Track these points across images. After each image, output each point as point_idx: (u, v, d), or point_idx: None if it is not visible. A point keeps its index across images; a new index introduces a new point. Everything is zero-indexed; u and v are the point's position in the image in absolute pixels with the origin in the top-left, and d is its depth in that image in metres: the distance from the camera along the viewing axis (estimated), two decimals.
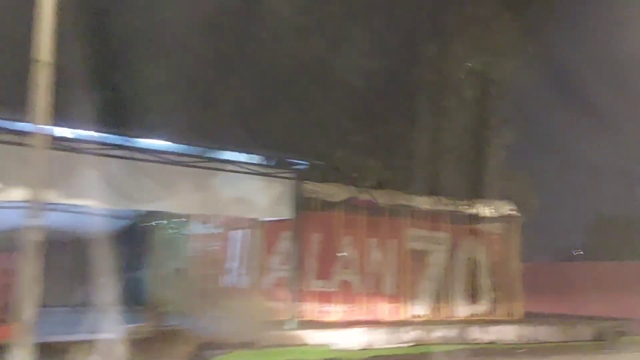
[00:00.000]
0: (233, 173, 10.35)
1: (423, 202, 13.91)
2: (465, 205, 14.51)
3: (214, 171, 10.19)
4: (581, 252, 28.06)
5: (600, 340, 13.84)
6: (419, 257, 13.90)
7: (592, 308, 18.17)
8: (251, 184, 10.54)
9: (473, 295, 14.50)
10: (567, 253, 27.33)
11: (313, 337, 10.65)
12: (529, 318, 14.76)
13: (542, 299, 18.79)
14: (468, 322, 13.37)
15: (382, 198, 13.33)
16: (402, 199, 13.59)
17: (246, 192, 10.45)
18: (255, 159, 10.70)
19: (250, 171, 10.50)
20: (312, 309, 12.21)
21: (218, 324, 11.05)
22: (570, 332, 13.83)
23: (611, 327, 14.50)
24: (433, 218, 14.12)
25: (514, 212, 15.22)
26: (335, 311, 12.52)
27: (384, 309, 13.14)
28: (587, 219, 29.27)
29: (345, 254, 12.85)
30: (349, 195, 12.90)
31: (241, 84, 12.18)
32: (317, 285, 12.49)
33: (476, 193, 15.23)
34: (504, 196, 15.74)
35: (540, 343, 12.98)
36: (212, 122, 11.26)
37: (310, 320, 11.82)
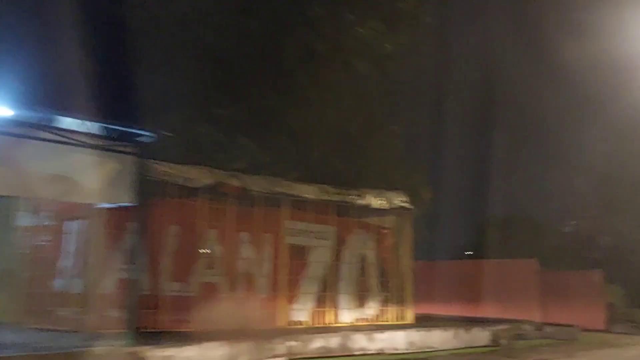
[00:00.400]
0: (49, 143, 7.86)
1: (305, 191, 12.00)
2: (353, 195, 12.75)
3: (21, 139, 7.67)
4: (471, 253, 27.48)
5: (496, 346, 12.66)
6: (300, 253, 11.98)
7: (488, 309, 17.17)
8: (75, 158, 8.11)
9: (361, 297, 12.77)
10: (461, 250, 26.60)
11: (156, 353, 8.40)
12: (422, 322, 13.29)
13: (435, 300, 17.58)
14: (354, 328, 11.64)
15: (255, 184, 11.26)
16: (280, 186, 11.60)
17: (67, 169, 8.02)
18: (81, 126, 8.27)
19: (74, 141, 8.05)
20: (163, 318, 9.93)
21: (32, 337, 8.65)
22: (465, 337, 12.53)
23: (507, 331, 13.38)
24: (317, 209, 12.23)
25: (407, 205, 13.65)
26: (194, 320, 10.27)
27: (256, 316, 11.04)
28: (482, 216, 28.86)
29: (209, 250, 10.65)
30: (215, 179, 10.72)
31: (76, 37, 9.64)
32: (171, 288, 10.23)
33: (366, 182, 13.59)
34: (396, 187, 14.21)
35: (433, 351, 11.49)
36: (27, 78, 8.68)
37: (161, 332, 9.56)
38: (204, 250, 10.58)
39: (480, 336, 12.91)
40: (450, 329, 12.50)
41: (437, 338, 12.15)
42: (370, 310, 12.85)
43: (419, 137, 20.88)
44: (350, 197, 12.66)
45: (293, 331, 10.75)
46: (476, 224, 30.24)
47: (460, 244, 28.35)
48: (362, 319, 12.67)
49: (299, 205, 11.91)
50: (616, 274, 19.38)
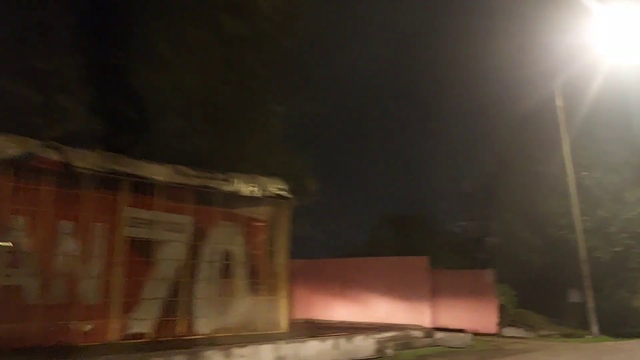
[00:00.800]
0: None
1: (154, 171, 9.65)
2: (218, 179, 10.55)
3: None
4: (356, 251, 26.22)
5: (381, 357, 10.99)
6: (144, 249, 9.60)
7: (376, 311, 15.63)
8: None
9: (224, 303, 10.57)
10: (350, 248, 25.10)
11: None
12: (298, 330, 11.36)
13: (317, 303, 15.78)
14: (210, 341, 9.44)
15: (83, 159, 8.76)
16: (118, 164, 9.16)
17: None
18: None
19: None
20: None
21: None
22: (346, 348, 10.75)
23: (394, 339, 11.76)
24: (169, 195, 9.91)
25: (284, 193, 11.63)
26: None
27: (78, 328, 8.56)
28: (373, 213, 27.84)
29: (10, 243, 8.03)
30: (24, 150, 8.12)
31: None
32: None
33: (236, 165, 11.45)
34: (273, 173, 12.15)
35: None
36: None
37: None
38: (4, 243, 7.95)
39: (364, 346, 11.21)
40: (328, 338, 10.66)
41: (313, 350, 10.27)
42: (236, 318, 10.69)
43: (308, 122, 19.07)
44: (214, 181, 10.45)
45: (125, 347, 8.38)
46: (367, 220, 29.28)
47: (348, 241, 27.03)
48: (224, 329, 10.48)
49: (145, 188, 9.52)
50: (505, 274, 18.60)
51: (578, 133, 20.42)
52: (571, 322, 19.41)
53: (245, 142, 12.41)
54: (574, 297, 19.68)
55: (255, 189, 11.18)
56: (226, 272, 10.69)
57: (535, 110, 22.50)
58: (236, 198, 10.90)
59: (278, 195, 11.56)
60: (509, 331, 16.35)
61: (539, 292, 20.61)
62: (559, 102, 20.13)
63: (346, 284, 16.21)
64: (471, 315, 16.25)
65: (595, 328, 17.54)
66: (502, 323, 16.55)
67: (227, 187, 10.63)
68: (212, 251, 10.47)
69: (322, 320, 14.45)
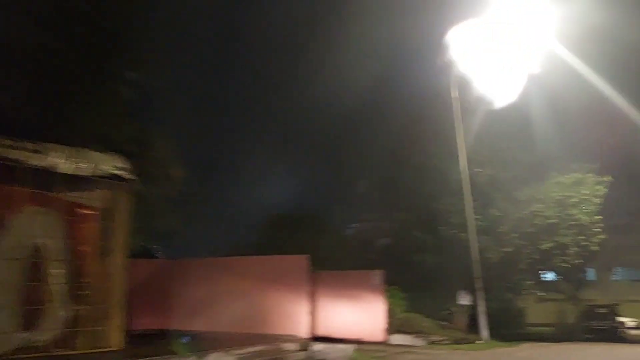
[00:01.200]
0: None
1: None
2: (26, 150, 7.96)
3: None
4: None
5: None
6: None
7: (246, 320, 13.45)
8: None
9: (29, 314, 7.98)
10: (233, 249, 22.89)
11: None
12: (136, 347, 8.97)
13: (169, 312, 13.38)
14: None
15: None
16: None
17: None
18: None
19: None
20: None
21: None
22: None
23: (261, 354, 9.74)
24: None
25: (124, 174, 9.19)
26: None
27: None
28: (262, 214, 26.01)
29: None
30: None
31: None
32: None
33: (66, 138, 8.92)
34: (120, 152, 9.66)
35: None
36: None
37: None
38: None
39: None
40: (171, 358, 8.36)
41: None
42: (46, 333, 8.11)
43: (179, 100, 16.69)
44: (17, 152, 7.85)
45: None
46: (257, 220, 27.58)
47: (233, 241, 24.85)
48: (30, 348, 7.89)
49: None
50: (395, 276, 17.19)
51: (473, 130, 19.58)
52: (461, 326, 18.40)
53: (81, 111, 9.85)
54: (463, 299, 18.72)
55: (83, 165, 8.67)
56: (35, 273, 8.10)
57: (430, 104, 21.57)
58: (54, 176, 8.34)
59: (115, 175, 9.11)
60: (397, 338, 14.84)
61: (428, 294, 19.54)
62: (454, 93, 19.08)
63: (214, 287, 13.92)
64: (356, 322, 14.59)
65: (485, 332, 16.53)
66: (390, 329, 14.99)
67: (37, 161, 8.05)
68: (12, 245, 7.85)
69: (179, 331, 12.07)
